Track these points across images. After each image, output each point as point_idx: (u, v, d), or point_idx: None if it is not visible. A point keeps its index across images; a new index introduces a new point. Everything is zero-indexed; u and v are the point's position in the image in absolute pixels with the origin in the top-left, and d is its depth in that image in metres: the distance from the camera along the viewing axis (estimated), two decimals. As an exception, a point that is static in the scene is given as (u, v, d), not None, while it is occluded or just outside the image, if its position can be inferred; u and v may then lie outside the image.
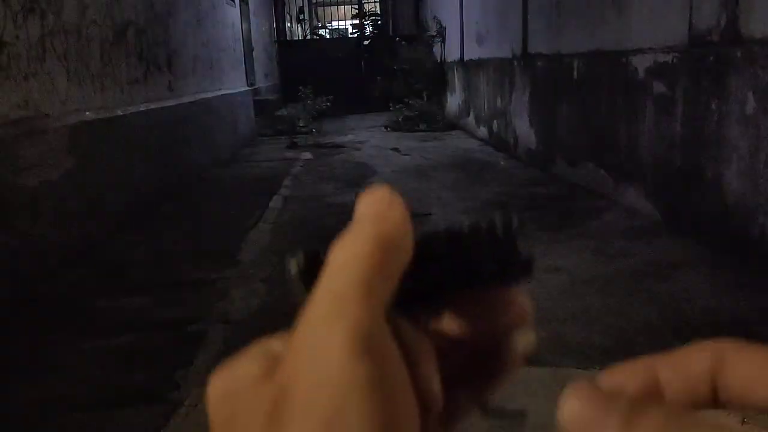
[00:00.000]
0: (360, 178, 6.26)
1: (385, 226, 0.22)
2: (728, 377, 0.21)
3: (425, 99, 11.33)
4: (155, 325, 2.83)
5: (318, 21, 24.86)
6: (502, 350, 0.25)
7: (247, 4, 11.39)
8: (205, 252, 3.93)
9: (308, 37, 19.37)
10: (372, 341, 0.19)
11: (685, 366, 0.21)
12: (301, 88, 11.76)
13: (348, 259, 0.21)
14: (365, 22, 15.81)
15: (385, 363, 0.19)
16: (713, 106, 3.47)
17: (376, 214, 0.22)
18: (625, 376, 0.22)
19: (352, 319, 0.19)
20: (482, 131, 8.80)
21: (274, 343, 0.23)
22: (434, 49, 12.07)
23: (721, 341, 0.21)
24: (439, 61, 11.89)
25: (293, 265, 0.23)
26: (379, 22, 16.24)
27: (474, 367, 0.25)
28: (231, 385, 0.21)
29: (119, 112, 4.80)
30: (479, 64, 8.91)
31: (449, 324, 0.25)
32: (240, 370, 0.22)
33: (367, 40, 15.29)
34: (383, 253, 0.21)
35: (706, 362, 0.21)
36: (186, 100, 6.56)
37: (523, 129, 6.90)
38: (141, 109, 5.23)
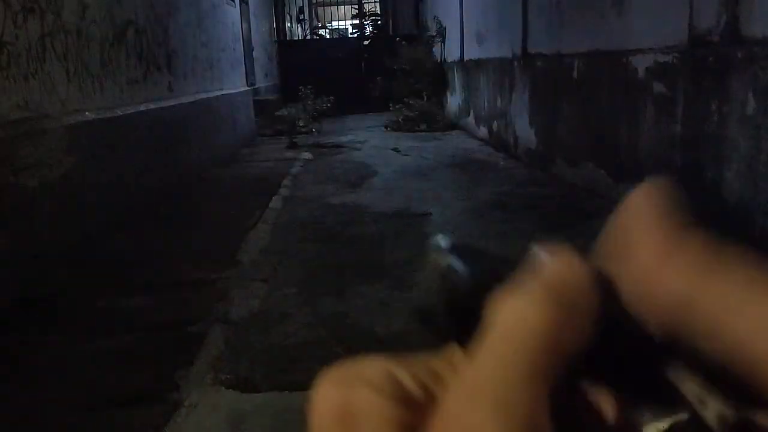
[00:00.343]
0: (360, 178, 6.26)
1: (568, 292, 0.18)
2: None
3: (425, 99, 11.33)
4: (155, 325, 2.83)
5: (318, 21, 24.87)
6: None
7: (247, 4, 11.39)
8: (205, 252, 3.93)
9: (308, 37, 19.37)
10: None
11: None
12: (301, 88, 11.74)
13: (520, 326, 0.17)
14: (365, 22, 15.84)
15: None
16: (713, 107, 3.47)
17: (555, 276, 0.18)
18: None
19: (518, 413, 0.16)
20: (482, 131, 8.80)
21: (400, 372, 0.19)
22: (434, 49, 12.07)
23: None
24: (439, 61, 11.89)
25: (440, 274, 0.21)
26: (379, 22, 16.26)
27: None
28: (351, 404, 0.18)
29: (119, 112, 4.79)
30: (479, 64, 8.90)
31: (599, 402, 0.21)
32: (363, 391, 0.19)
33: (367, 40, 15.30)
34: (563, 326, 0.17)
35: None
36: (186, 100, 6.56)
37: (523, 129, 6.90)
38: (141, 109, 5.23)
